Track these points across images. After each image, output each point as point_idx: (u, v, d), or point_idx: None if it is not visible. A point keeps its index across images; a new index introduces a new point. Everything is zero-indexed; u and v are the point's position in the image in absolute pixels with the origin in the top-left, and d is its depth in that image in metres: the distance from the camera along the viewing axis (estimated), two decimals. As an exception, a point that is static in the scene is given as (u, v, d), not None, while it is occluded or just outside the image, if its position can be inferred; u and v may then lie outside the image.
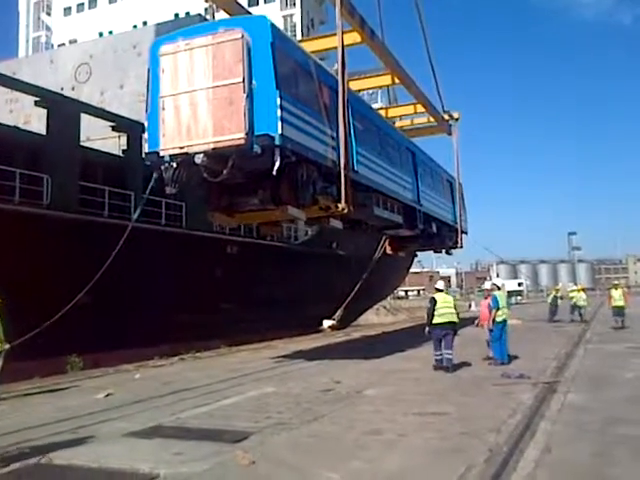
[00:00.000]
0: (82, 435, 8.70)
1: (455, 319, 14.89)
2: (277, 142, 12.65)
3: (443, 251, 33.71)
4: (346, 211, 15.22)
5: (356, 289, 28.32)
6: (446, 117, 30.02)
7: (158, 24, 32.14)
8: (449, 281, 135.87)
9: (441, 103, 29.36)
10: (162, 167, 13.43)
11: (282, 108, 12.80)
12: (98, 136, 25.40)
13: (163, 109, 13.31)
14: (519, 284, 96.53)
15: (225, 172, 12.88)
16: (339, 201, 15.10)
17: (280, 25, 47.90)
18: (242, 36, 12.93)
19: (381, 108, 31.35)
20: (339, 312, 25.37)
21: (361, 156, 17.10)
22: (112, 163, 23.37)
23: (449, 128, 30.71)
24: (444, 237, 28.98)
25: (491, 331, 15.61)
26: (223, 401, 11.29)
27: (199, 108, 12.95)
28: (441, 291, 15.26)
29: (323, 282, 32.66)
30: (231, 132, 12.60)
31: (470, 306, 56.48)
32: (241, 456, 7.09)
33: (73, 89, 31.39)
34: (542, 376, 13.38)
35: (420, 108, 27.98)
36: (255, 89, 12.83)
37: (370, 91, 38.59)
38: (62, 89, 29.70)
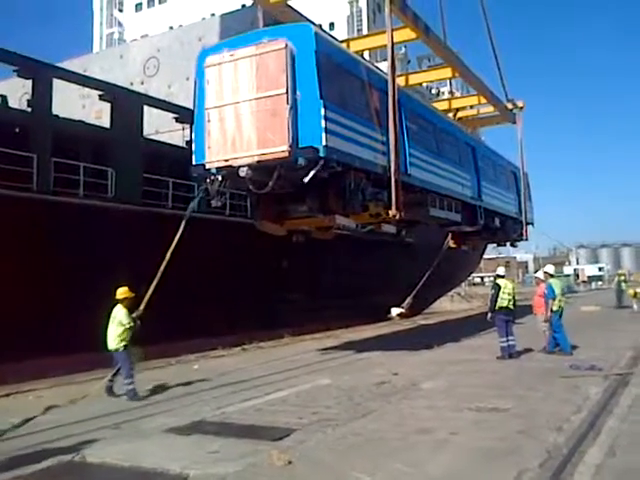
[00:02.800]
0: (123, 431, 8.62)
1: (512, 306, 14.85)
2: (321, 154, 12.24)
3: (508, 244, 32.86)
4: (398, 217, 14.71)
5: (425, 277, 27.68)
6: (510, 106, 28.94)
7: (222, 15, 32.14)
8: (526, 267, 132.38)
9: (504, 92, 28.40)
10: (208, 180, 13.34)
11: (326, 119, 12.39)
12: (166, 129, 25.65)
13: (209, 121, 13.15)
14: (599, 269, 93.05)
15: (271, 184, 12.64)
16: (390, 207, 14.61)
17: (346, 11, 47.32)
18: (286, 46, 12.56)
19: (444, 99, 30.50)
20: (408, 300, 24.69)
21: (414, 158, 16.49)
22: (175, 154, 23.46)
23: (513, 117, 29.61)
24: (508, 230, 28.06)
25: (546, 321, 15.10)
26: (273, 394, 11.02)
27: (243, 120, 12.71)
28: (502, 277, 15.27)
29: (391, 270, 32.09)
30: (275, 145, 12.30)
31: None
32: (276, 456, 6.75)
33: (142, 83, 31.75)
34: (615, 367, 12.55)
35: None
36: (299, 99, 12.47)
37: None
38: (131, 84, 30.13)
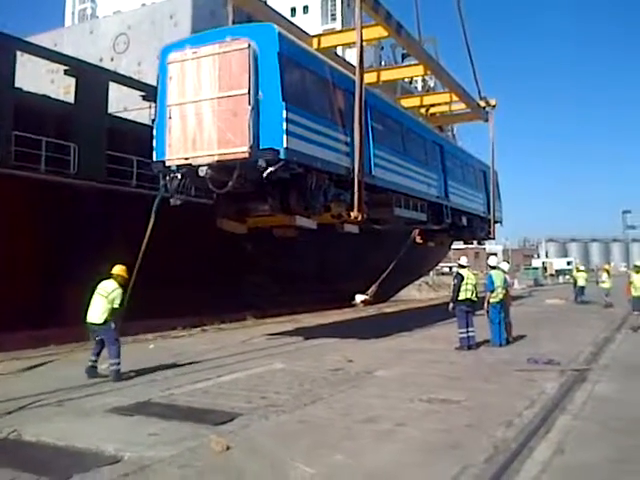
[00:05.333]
0: (65, 409, 8.45)
1: (474, 297, 14.64)
2: (282, 156, 12.13)
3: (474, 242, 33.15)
4: (360, 219, 14.75)
5: (392, 265, 27.72)
6: (482, 104, 29.05)
7: (194, -7, 31.64)
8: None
9: (478, 89, 28.57)
10: (167, 177, 13.18)
11: (288, 121, 12.29)
12: (135, 106, 25.21)
13: (170, 118, 13.01)
14: (568, 263, 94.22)
15: (230, 184, 12.55)
16: (353, 208, 14.57)
17: (319, -1, 46.71)
18: (249, 46, 12.42)
19: (416, 95, 30.59)
20: (373, 287, 24.76)
21: (379, 158, 16.47)
22: (142, 133, 23.05)
23: (486, 115, 29.70)
24: (475, 229, 28.27)
25: (487, 312, 15.04)
26: (225, 377, 10.88)
27: (204, 119, 12.60)
28: (465, 267, 15.02)
29: (357, 257, 32.04)
30: (235, 145, 12.20)
31: (513, 284, 54.94)
32: (215, 441, 6.62)
33: (112, 60, 31.22)
34: (573, 363, 12.53)
35: (457, 94, 27.17)
36: (261, 100, 12.34)
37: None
38: (101, 60, 29.63)
